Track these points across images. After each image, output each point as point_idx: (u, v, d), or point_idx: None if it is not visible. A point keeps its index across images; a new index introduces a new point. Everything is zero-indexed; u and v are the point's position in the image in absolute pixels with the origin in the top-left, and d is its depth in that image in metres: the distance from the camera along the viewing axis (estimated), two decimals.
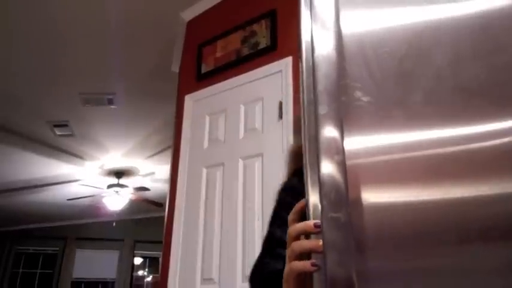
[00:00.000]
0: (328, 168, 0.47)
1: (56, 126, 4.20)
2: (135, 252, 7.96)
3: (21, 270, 7.55)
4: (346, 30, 0.54)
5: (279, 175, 2.12)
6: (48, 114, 4.04)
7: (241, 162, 2.30)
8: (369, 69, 0.51)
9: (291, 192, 0.88)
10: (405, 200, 0.44)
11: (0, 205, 6.41)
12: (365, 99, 0.49)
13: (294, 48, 2.32)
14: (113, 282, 7.73)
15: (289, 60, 2.31)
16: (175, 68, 3.20)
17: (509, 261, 0.39)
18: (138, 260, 8.12)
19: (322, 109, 0.50)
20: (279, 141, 2.18)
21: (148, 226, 7.27)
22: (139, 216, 7.61)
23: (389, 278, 0.42)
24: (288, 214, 0.70)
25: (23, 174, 5.43)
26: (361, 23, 0.54)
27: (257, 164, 2.24)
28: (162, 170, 5.32)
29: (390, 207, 0.45)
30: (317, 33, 0.55)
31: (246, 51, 2.54)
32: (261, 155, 2.24)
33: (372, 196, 0.45)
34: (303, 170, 0.99)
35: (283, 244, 0.64)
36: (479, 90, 0.46)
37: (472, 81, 0.46)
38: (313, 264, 0.49)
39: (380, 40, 0.52)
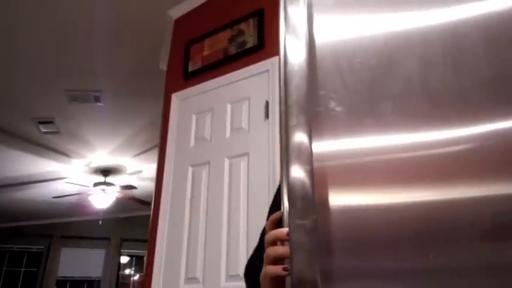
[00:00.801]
0: (296, 173, 0.49)
1: (41, 123, 4.15)
2: (121, 250, 7.90)
3: (4, 268, 7.44)
4: (319, 40, 0.55)
5: (264, 174, 2.12)
6: (33, 111, 3.99)
7: (227, 162, 2.30)
8: (342, 80, 0.52)
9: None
10: (370, 202, 0.46)
11: None
12: (338, 109, 0.51)
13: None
14: (99, 281, 7.67)
15: (276, 59, 2.31)
16: (163, 66, 3.18)
17: (472, 263, 0.40)
18: (124, 259, 8.06)
19: (292, 121, 0.53)
20: (265, 141, 2.18)
21: (135, 225, 7.23)
22: (126, 215, 7.56)
23: (354, 278, 0.44)
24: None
25: (7, 172, 5.35)
26: (334, 33, 0.56)
27: (243, 163, 2.24)
28: (150, 168, 5.29)
29: (356, 209, 0.47)
30: (290, 44, 0.57)
31: (233, 50, 2.54)
32: (247, 154, 2.24)
33: (339, 199, 0.47)
34: None
35: None
36: (446, 97, 0.47)
37: (440, 88, 0.48)
38: (284, 269, 0.53)
39: (353, 50, 0.53)
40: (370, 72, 0.52)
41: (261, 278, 0.61)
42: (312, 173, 0.48)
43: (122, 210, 7.10)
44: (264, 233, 0.88)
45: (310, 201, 0.47)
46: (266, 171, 2.12)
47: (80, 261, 7.67)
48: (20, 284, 7.40)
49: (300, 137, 0.51)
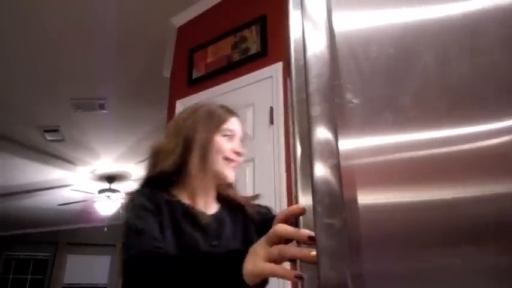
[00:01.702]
0: (322, 171, 0.46)
1: (46, 131, 4.17)
2: None
3: (11, 276, 7.46)
4: (337, 29, 0.53)
5: (270, 180, 2.13)
6: (39, 119, 4.01)
7: None
8: (359, 70, 0.50)
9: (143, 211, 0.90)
10: (399, 200, 0.44)
11: None
12: (355, 101, 0.48)
13: (284, 54, 2.34)
14: None
15: (279, 65, 2.32)
16: (167, 73, 3.20)
17: (500, 261, 0.39)
18: None
19: (315, 110, 0.49)
20: (270, 147, 2.19)
21: None
22: None
23: (386, 280, 0.42)
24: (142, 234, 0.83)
25: (13, 180, 5.37)
26: (351, 23, 0.53)
27: (248, 170, 2.25)
28: None
29: (386, 208, 0.44)
30: (309, 33, 0.54)
31: (236, 56, 2.55)
32: (252, 160, 2.25)
33: (368, 198, 0.44)
34: (157, 179, 0.97)
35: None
36: (465, 90, 0.46)
37: (458, 81, 0.46)
38: (297, 276, 0.49)
39: (369, 40, 0.51)
40: (387, 63, 0.49)
41: (259, 270, 0.57)
42: (339, 169, 0.45)
43: None
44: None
45: (339, 199, 0.44)
46: (272, 177, 2.13)
47: (86, 268, 7.68)
48: None
49: (323, 128, 0.47)
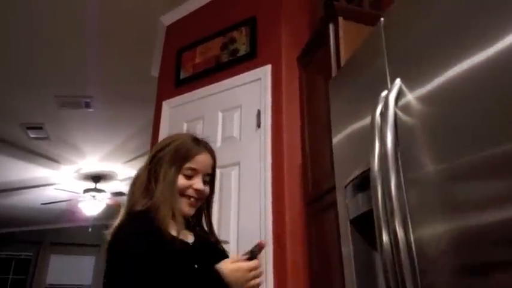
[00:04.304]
0: None
1: (29, 128, 4.08)
2: None
3: None
4: None
5: (255, 184, 2.09)
6: (22, 116, 3.92)
7: (217, 171, 2.24)
8: None
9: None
10: None
11: None
12: None
13: (273, 56, 2.31)
14: None
15: (268, 68, 2.29)
16: (155, 72, 3.15)
17: None
18: None
19: None
20: (256, 150, 2.15)
21: None
22: None
23: None
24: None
25: None
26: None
27: (233, 173, 2.20)
28: None
29: None
30: None
31: (225, 57, 2.51)
32: (238, 164, 2.20)
33: None
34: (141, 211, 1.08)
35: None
36: None
37: None
38: None
39: None
40: None
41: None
42: None
43: (112, 216, 7.00)
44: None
45: None
46: (257, 181, 2.09)
47: (69, 268, 7.55)
48: None
49: None
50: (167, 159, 1.11)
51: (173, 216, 1.07)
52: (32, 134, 4.20)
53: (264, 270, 1.87)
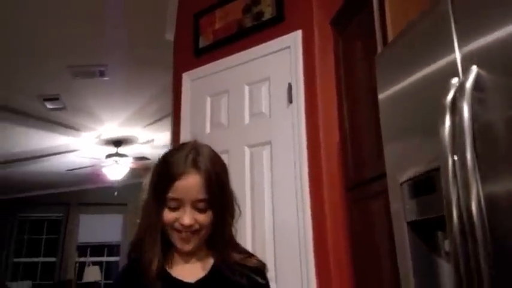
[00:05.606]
0: None
1: (46, 100, 3.98)
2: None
3: (26, 236, 7.58)
4: None
5: (290, 166, 1.93)
6: (37, 88, 3.82)
7: (247, 151, 2.10)
8: None
9: None
10: None
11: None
12: None
13: (303, 20, 2.05)
14: (118, 246, 7.80)
15: (298, 34, 2.04)
16: (170, 36, 2.91)
17: None
18: None
19: None
20: (289, 129, 1.97)
21: None
22: (141, 180, 7.51)
23: None
24: None
25: (17, 147, 5.26)
26: None
27: (265, 153, 2.04)
28: (161, 137, 5.15)
29: None
30: None
31: (248, 22, 2.26)
32: (269, 143, 2.03)
33: None
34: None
35: None
36: None
37: None
38: None
39: None
40: None
41: None
42: None
43: (137, 176, 7.04)
44: None
45: None
46: (291, 163, 1.93)
47: (98, 227, 7.77)
48: (42, 251, 7.57)
49: None
50: (149, 191, 0.95)
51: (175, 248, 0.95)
52: (49, 105, 4.12)
53: (305, 261, 1.76)
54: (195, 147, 0.94)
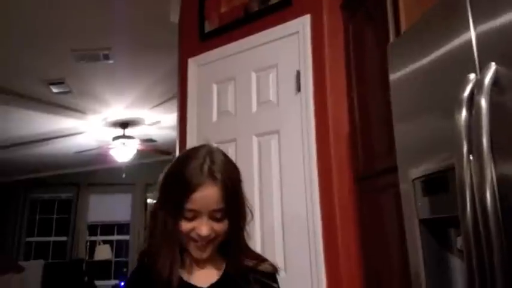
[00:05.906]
0: None
1: (51, 84, 3.95)
2: (147, 194, 8.04)
3: (38, 216, 7.72)
4: None
5: (298, 156, 1.90)
6: (42, 73, 3.79)
7: (255, 140, 2.07)
8: None
9: None
10: None
11: (8, 157, 6.34)
12: None
13: (312, 3, 1.97)
14: (128, 224, 7.91)
15: (307, 18, 1.97)
16: (175, 18, 2.84)
17: None
18: (151, 201, 8.23)
19: None
20: (297, 118, 1.93)
21: (159, 170, 7.21)
22: (148, 161, 7.54)
23: None
24: None
25: (23, 130, 5.28)
26: None
27: (273, 142, 2.01)
28: (168, 118, 5.14)
29: None
30: None
31: (255, 5, 2.19)
32: (277, 132, 2.00)
33: None
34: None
35: None
36: None
37: None
38: None
39: None
40: None
41: None
42: None
43: (144, 156, 7.06)
44: None
45: None
46: (300, 152, 1.89)
47: (108, 206, 7.87)
48: (53, 230, 7.71)
49: None
50: (163, 199, 0.95)
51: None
52: (55, 89, 4.10)
53: (314, 251, 1.75)
54: (209, 154, 0.92)
